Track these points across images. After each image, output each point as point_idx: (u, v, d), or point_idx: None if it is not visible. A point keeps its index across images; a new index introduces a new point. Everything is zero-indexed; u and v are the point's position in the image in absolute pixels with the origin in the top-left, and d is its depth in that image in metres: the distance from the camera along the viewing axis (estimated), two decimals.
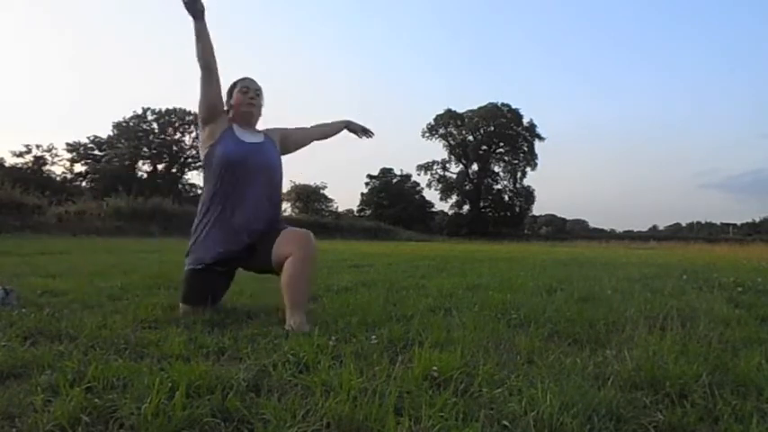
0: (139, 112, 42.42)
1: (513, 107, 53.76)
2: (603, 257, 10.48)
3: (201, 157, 2.77)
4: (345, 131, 3.23)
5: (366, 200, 52.95)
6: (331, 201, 47.43)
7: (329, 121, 3.21)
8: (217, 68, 2.63)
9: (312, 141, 3.14)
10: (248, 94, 2.75)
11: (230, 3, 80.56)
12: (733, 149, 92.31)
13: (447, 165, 54.92)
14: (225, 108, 2.79)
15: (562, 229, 66.92)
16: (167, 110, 42.68)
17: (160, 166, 42.66)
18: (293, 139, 3.02)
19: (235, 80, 2.82)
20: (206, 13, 2.54)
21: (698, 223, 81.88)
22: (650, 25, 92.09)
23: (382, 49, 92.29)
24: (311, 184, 46.10)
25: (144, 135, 41.56)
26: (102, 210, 20.37)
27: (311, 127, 3.14)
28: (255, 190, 2.65)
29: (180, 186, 41.70)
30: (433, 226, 50.35)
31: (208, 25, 2.57)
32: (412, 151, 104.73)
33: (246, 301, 3.10)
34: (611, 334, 2.33)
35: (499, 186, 54.85)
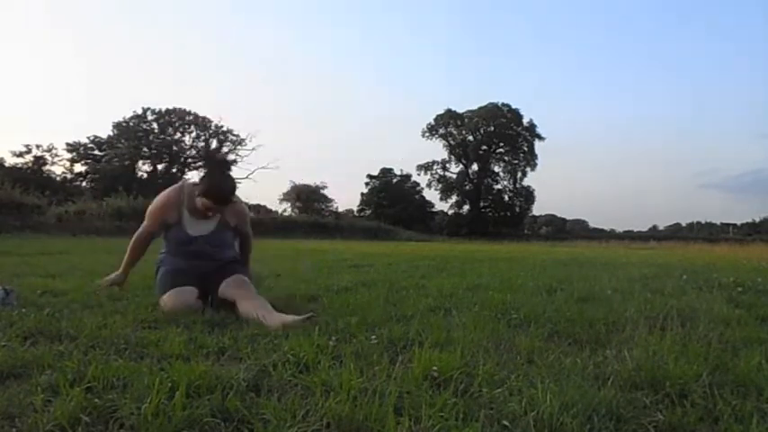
0: (139, 112, 42.41)
1: (513, 107, 53.77)
2: (603, 257, 10.47)
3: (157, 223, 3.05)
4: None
5: (366, 200, 52.92)
6: (331, 201, 47.49)
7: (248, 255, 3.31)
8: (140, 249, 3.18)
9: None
10: (206, 211, 2.91)
11: (229, 3, 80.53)
12: (733, 149, 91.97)
13: (447, 165, 54.94)
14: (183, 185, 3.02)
15: (562, 229, 66.91)
16: (167, 110, 42.66)
17: (160, 166, 42.65)
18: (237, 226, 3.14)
19: (212, 184, 2.86)
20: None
21: (698, 223, 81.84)
22: (650, 25, 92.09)
23: (382, 48, 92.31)
24: (311, 184, 46.19)
25: (144, 135, 41.53)
26: (103, 210, 20.37)
27: (243, 242, 3.26)
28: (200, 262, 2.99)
29: None
30: (433, 226, 50.32)
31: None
32: (412, 151, 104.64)
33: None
34: (611, 334, 2.33)
35: (499, 186, 54.85)
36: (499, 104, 53.79)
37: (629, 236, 51.03)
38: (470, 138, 54.11)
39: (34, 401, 1.33)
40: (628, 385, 1.59)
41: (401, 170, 54.26)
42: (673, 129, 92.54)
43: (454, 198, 54.26)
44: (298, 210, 43.52)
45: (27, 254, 7.07)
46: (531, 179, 54.80)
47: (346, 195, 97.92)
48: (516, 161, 54.32)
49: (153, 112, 42.62)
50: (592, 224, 74.72)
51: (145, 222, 3.07)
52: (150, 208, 3.04)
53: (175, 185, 3.06)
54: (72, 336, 2.05)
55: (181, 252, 3.00)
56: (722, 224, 77.15)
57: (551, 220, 72.32)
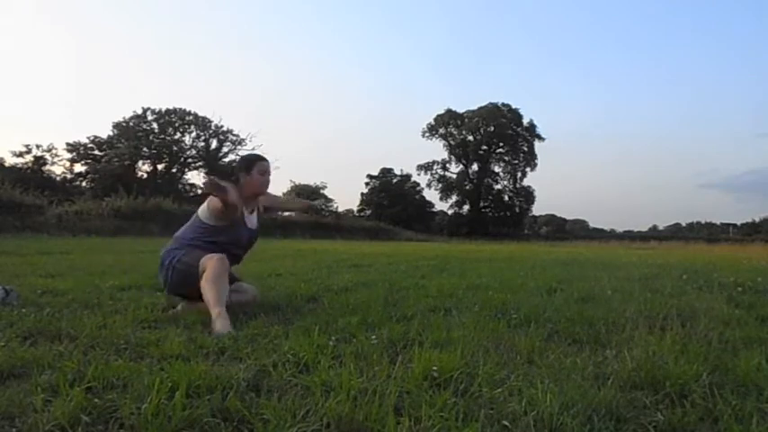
0: (139, 112, 42.37)
1: (513, 107, 53.81)
2: (603, 257, 10.47)
3: (207, 221, 2.87)
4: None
5: (366, 200, 52.91)
6: (331, 201, 47.41)
7: (295, 199, 3.26)
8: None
9: (274, 209, 3.35)
10: (266, 176, 2.95)
11: (230, 3, 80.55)
12: (733, 149, 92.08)
13: (447, 165, 54.95)
14: (233, 178, 2.93)
15: (562, 229, 66.97)
16: (167, 110, 42.62)
17: (160, 166, 42.60)
18: (265, 204, 3.17)
19: (251, 155, 3.02)
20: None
21: (698, 223, 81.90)
22: (650, 25, 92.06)
23: (382, 49, 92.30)
24: (311, 184, 46.14)
25: (144, 135, 41.48)
26: (103, 210, 20.36)
27: (283, 196, 3.20)
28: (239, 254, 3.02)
29: (180, 186, 41.67)
30: (433, 226, 50.33)
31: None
32: (412, 151, 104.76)
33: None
34: (611, 334, 2.33)
35: (499, 186, 54.87)
36: (499, 104, 53.83)
37: (629, 236, 51.06)
38: (470, 138, 54.11)
39: (34, 401, 1.33)
40: (628, 385, 1.59)
41: (401, 170, 54.31)
42: (673, 129, 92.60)
43: (454, 198, 54.29)
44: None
45: (27, 254, 7.07)
46: (531, 179, 54.89)
47: (346, 195, 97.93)
48: (516, 161, 54.32)
49: (153, 112, 42.59)
50: (592, 224, 74.86)
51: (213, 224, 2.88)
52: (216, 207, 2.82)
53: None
54: (72, 336, 2.05)
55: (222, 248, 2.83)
56: (722, 224, 77.22)
57: (551, 220, 72.34)
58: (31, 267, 5.01)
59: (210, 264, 2.61)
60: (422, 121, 64.65)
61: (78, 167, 40.34)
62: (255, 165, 2.92)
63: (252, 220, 3.01)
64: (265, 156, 3.04)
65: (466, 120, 54.14)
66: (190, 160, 43.06)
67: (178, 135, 43.09)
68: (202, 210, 2.90)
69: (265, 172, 2.94)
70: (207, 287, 2.52)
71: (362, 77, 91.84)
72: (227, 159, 42.88)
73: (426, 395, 1.43)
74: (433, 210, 54.78)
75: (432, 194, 55.39)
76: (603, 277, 5.01)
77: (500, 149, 54.20)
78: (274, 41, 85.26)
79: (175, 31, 76.48)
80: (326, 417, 1.29)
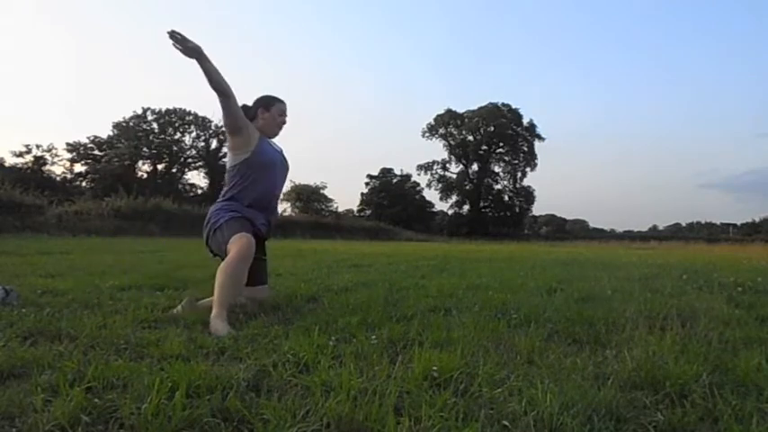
0: (139, 112, 42.40)
1: (513, 107, 53.83)
2: (603, 257, 10.47)
3: (235, 162, 2.91)
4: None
5: (366, 200, 52.91)
6: (331, 201, 47.37)
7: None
8: (231, 90, 2.76)
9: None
10: (283, 117, 3.04)
11: (229, 3, 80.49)
12: (733, 149, 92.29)
13: (447, 165, 54.98)
14: (252, 115, 2.96)
15: (562, 229, 66.99)
16: (167, 110, 42.64)
17: (160, 166, 42.62)
18: None
19: (271, 95, 3.05)
20: (203, 50, 2.65)
21: (698, 223, 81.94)
22: (650, 25, 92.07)
23: (382, 49, 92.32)
24: (311, 183, 46.11)
25: (144, 135, 41.49)
26: (103, 210, 20.35)
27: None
28: (278, 186, 3.08)
29: (180, 186, 41.68)
30: (433, 226, 50.33)
31: (209, 58, 2.70)
32: (412, 151, 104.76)
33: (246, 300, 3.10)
34: (611, 334, 2.33)
35: (499, 186, 54.89)
36: (499, 104, 53.84)
37: (629, 236, 51.08)
38: (470, 138, 54.12)
39: (34, 401, 1.33)
40: (628, 385, 1.59)
41: (401, 170, 54.33)
42: (673, 129, 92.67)
43: (454, 198, 54.31)
44: (298, 210, 43.47)
45: (27, 254, 7.07)
46: (531, 179, 55.04)
47: (346, 195, 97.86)
48: (516, 161, 54.33)
49: (153, 112, 42.61)
50: (592, 224, 74.92)
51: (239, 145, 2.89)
52: (241, 125, 2.83)
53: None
54: (72, 336, 2.05)
55: (261, 186, 2.91)
56: (722, 224, 77.26)
57: (551, 220, 72.37)
58: (31, 267, 5.01)
59: (236, 247, 2.60)
60: (422, 121, 64.78)
61: (78, 167, 40.39)
62: (275, 104, 2.99)
63: (276, 148, 3.04)
64: (271, 100, 3.03)
65: (466, 120, 54.14)
66: (190, 160, 43.09)
67: (178, 135, 43.12)
68: (228, 156, 2.97)
69: (283, 113, 3.02)
70: (220, 279, 2.51)
71: (362, 77, 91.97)
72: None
73: (426, 395, 1.43)
74: (433, 210, 54.80)
75: (432, 194, 55.57)
76: (603, 277, 5.00)
77: (500, 149, 54.22)
78: (274, 41, 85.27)
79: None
80: (326, 417, 1.29)
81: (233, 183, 2.91)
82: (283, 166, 3.09)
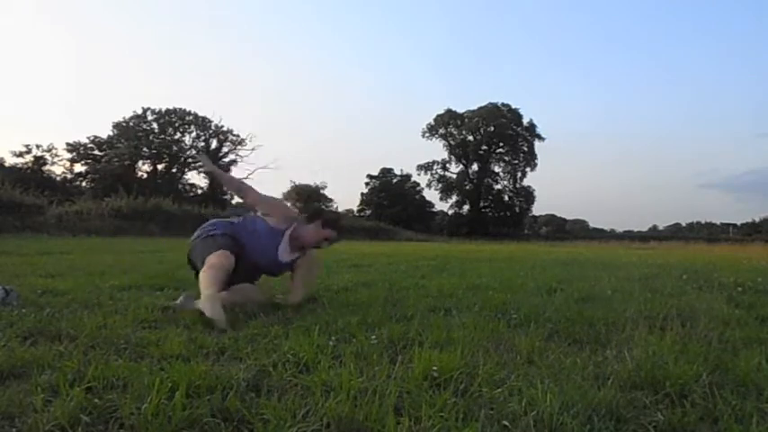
0: (139, 112, 42.39)
1: (513, 107, 53.82)
2: (603, 257, 10.47)
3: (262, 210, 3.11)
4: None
5: (366, 200, 52.91)
6: (331, 201, 47.38)
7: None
8: (245, 185, 3.19)
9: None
10: (324, 243, 3.12)
11: (229, 3, 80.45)
12: (733, 149, 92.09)
13: (447, 165, 54.97)
14: (311, 216, 3.13)
15: (562, 229, 66.99)
16: (167, 110, 42.62)
17: (160, 166, 42.61)
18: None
19: (331, 215, 3.25)
20: (215, 168, 3.12)
21: (698, 223, 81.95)
22: (650, 25, 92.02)
23: (382, 49, 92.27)
24: (311, 183, 46.14)
25: (144, 135, 41.48)
26: (103, 210, 20.35)
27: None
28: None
29: (180, 186, 41.69)
30: (433, 226, 50.33)
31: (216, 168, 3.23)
32: (412, 151, 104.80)
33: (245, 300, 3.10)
34: (611, 334, 2.33)
35: (499, 186, 54.89)
36: (499, 104, 53.83)
37: (629, 236, 51.04)
38: (470, 138, 54.12)
39: (34, 401, 1.33)
40: (628, 385, 1.59)
41: (401, 170, 54.33)
42: (673, 129, 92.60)
43: (454, 198, 54.31)
44: (298, 210, 43.41)
45: (27, 254, 7.07)
46: (530, 179, 54.90)
47: (346, 195, 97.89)
48: (516, 161, 54.33)
49: (153, 112, 42.60)
50: (592, 224, 74.88)
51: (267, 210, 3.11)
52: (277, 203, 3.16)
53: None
54: (72, 336, 2.05)
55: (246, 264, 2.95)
56: (722, 224, 77.27)
57: (551, 220, 72.37)
58: (31, 267, 5.01)
59: (211, 257, 2.70)
60: (422, 121, 64.77)
61: (78, 167, 40.40)
62: (330, 231, 3.07)
63: (284, 254, 3.06)
64: (335, 227, 3.12)
65: (466, 120, 54.13)
66: (190, 160, 43.05)
67: (178, 135, 43.12)
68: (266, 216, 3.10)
69: (328, 241, 3.09)
70: (202, 275, 2.63)
71: (362, 77, 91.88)
72: (226, 159, 42.88)
73: (426, 395, 1.43)
74: (433, 210, 54.80)
75: (432, 194, 55.51)
76: (603, 277, 5.01)
77: (500, 149, 54.21)
78: (274, 41, 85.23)
79: (175, 31, 76.37)
80: (326, 417, 1.29)
81: (245, 218, 3.11)
82: (269, 263, 3.06)
